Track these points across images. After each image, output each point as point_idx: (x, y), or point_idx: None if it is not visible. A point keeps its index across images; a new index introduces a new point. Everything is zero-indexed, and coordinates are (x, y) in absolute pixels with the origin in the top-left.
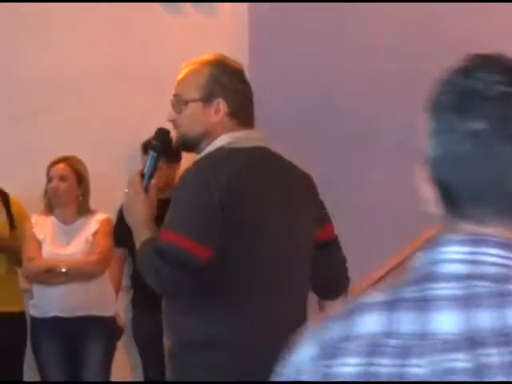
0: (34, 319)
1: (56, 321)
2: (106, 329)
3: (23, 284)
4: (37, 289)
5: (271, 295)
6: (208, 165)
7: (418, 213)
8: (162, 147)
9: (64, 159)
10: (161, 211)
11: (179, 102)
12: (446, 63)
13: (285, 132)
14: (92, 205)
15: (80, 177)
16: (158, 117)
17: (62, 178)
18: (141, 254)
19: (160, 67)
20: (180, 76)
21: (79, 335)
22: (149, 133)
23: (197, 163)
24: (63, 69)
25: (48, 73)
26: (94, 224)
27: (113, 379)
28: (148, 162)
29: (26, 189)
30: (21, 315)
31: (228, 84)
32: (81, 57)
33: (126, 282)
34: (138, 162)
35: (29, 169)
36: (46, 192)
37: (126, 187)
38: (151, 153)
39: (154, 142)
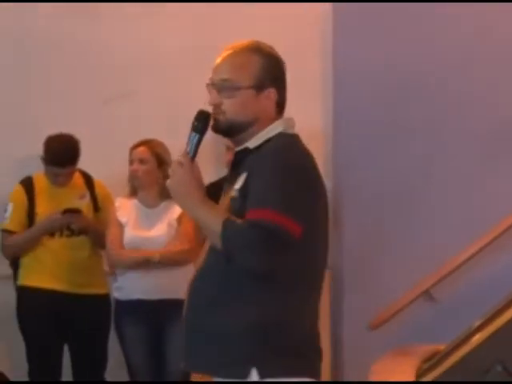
0: (118, 301)
1: (140, 303)
2: None
3: (106, 267)
4: (121, 272)
5: (321, 290)
6: (298, 148)
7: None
8: (204, 128)
9: (145, 142)
10: None
11: (230, 88)
12: None
13: (369, 124)
14: None
15: (161, 160)
16: None
17: (142, 161)
18: (232, 231)
19: None
20: (226, 60)
21: (163, 318)
22: None
23: (282, 147)
24: (152, 52)
25: (137, 56)
26: (177, 208)
27: None
28: (191, 143)
29: (113, 172)
30: (105, 297)
31: (278, 74)
32: (167, 38)
33: None
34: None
35: (116, 152)
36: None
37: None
38: (193, 134)
39: (196, 123)
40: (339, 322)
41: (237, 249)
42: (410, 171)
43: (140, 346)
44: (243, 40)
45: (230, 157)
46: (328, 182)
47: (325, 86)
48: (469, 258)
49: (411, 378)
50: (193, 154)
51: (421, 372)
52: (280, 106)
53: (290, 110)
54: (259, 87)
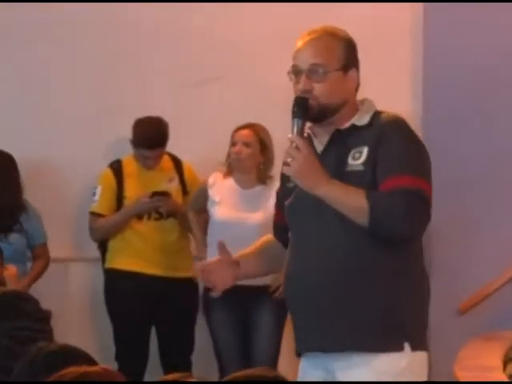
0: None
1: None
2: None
3: (194, 250)
4: (208, 255)
5: None
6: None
7: None
8: (305, 113)
9: (250, 125)
10: None
11: (319, 72)
12: None
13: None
14: (274, 170)
15: (264, 145)
16: None
17: (246, 144)
18: (380, 202)
19: None
20: (309, 46)
21: (251, 303)
22: None
23: (399, 119)
24: (240, 35)
25: (226, 41)
26: (274, 194)
27: (282, 350)
28: (295, 128)
29: (201, 155)
30: (192, 281)
31: (356, 55)
32: (255, 23)
33: None
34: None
35: (204, 135)
36: (229, 156)
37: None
38: (296, 120)
39: (296, 109)
40: None
41: (390, 218)
42: (495, 159)
43: (227, 329)
44: (316, 26)
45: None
46: None
47: (415, 77)
48: None
49: (498, 364)
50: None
51: (508, 358)
52: (357, 86)
53: (382, 96)
54: (345, 69)
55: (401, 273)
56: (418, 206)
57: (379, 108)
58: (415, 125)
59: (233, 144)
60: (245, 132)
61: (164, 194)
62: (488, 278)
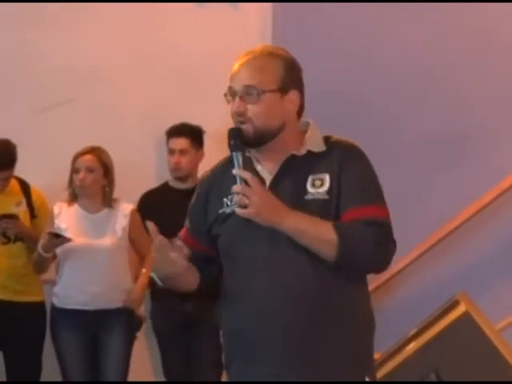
0: (54, 309)
1: (76, 313)
2: (125, 319)
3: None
4: (58, 280)
5: None
6: None
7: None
8: (241, 144)
9: (91, 150)
10: (182, 202)
11: (253, 94)
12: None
13: None
14: (117, 193)
15: (106, 168)
16: (183, 106)
17: (90, 170)
18: (349, 235)
19: (185, 58)
20: (245, 66)
21: (100, 327)
22: (173, 121)
23: (355, 146)
24: (89, 59)
25: (74, 63)
26: (121, 216)
27: (132, 370)
28: (236, 162)
29: (49, 179)
30: (40, 305)
31: (298, 76)
32: (107, 47)
33: None
34: (164, 151)
35: (52, 159)
36: (71, 182)
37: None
38: (235, 153)
39: (233, 142)
40: None
41: (361, 251)
42: None
43: (74, 354)
44: (255, 46)
45: (175, 160)
46: None
47: None
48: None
49: None
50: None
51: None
52: (301, 108)
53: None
54: (283, 90)
55: (361, 303)
56: (388, 237)
57: None
58: None
59: (75, 171)
60: (87, 157)
61: (12, 217)
62: None
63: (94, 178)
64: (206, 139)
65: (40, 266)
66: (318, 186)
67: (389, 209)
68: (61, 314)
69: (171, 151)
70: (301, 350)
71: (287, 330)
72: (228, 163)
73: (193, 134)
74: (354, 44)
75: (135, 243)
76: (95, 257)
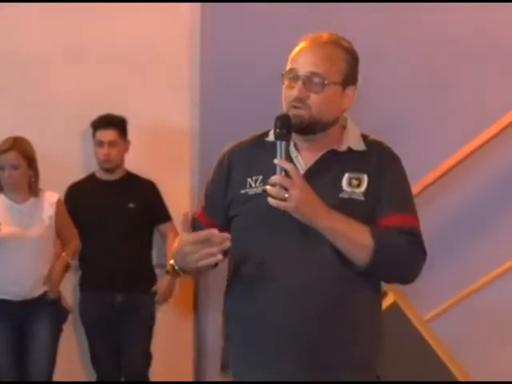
0: None
1: (2, 302)
2: (52, 309)
3: None
4: None
5: None
6: None
7: None
8: (289, 133)
9: (12, 145)
10: (110, 193)
11: (317, 82)
12: None
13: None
14: (43, 184)
15: (30, 159)
16: (109, 95)
17: (14, 167)
18: (386, 243)
19: (112, 47)
20: (312, 52)
21: (26, 317)
22: (99, 111)
23: (391, 149)
24: (14, 48)
25: (5, 50)
26: (47, 205)
27: (59, 361)
28: (280, 152)
29: None
30: None
31: (357, 71)
32: (33, 37)
33: (74, 262)
34: (89, 141)
35: None
36: None
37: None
38: (279, 142)
39: (279, 130)
40: (204, 320)
41: (393, 259)
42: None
43: (3, 345)
44: (320, 32)
45: (105, 151)
46: (195, 179)
47: (192, 83)
48: None
49: None
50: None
51: None
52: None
53: (161, 108)
54: (345, 84)
55: (376, 314)
56: (420, 247)
57: None
58: (194, 137)
59: (0, 168)
60: (11, 155)
61: None
62: None
63: (19, 174)
64: (130, 129)
65: None
66: (355, 186)
67: None
68: None
69: (100, 143)
70: (313, 347)
71: (302, 323)
72: (258, 142)
73: (120, 125)
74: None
75: (60, 232)
76: (23, 247)
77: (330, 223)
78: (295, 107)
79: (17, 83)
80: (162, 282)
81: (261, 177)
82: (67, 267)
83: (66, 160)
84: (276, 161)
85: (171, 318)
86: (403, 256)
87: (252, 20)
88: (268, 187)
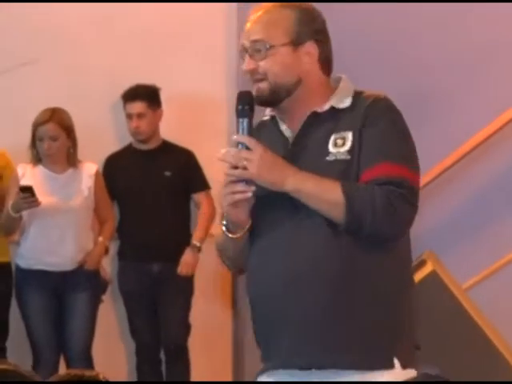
0: (19, 270)
1: (42, 274)
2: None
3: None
4: (23, 241)
5: None
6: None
7: None
8: (251, 110)
9: (50, 116)
10: (147, 162)
11: (263, 48)
12: None
13: None
14: (80, 155)
15: (68, 130)
16: (139, 68)
17: (53, 138)
18: (358, 195)
19: (144, 23)
20: (256, 21)
21: (64, 288)
22: (129, 83)
23: (382, 100)
24: (43, 22)
25: (36, 24)
26: (86, 176)
27: (98, 331)
28: (241, 129)
29: (12, 140)
30: (6, 265)
31: (315, 26)
32: (65, 9)
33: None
34: (121, 113)
35: (14, 120)
36: (34, 145)
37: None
38: (240, 119)
39: (240, 107)
40: (243, 290)
41: (369, 213)
42: None
43: (41, 315)
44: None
45: (134, 124)
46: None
47: (230, 59)
48: None
49: None
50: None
51: None
52: (325, 61)
53: (196, 81)
54: (296, 43)
55: (390, 281)
56: (403, 198)
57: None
58: (230, 110)
59: (39, 139)
60: (49, 126)
61: None
62: None
63: (58, 145)
64: (165, 102)
65: (8, 227)
66: (340, 146)
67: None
68: (26, 274)
69: (129, 116)
70: (320, 325)
71: (306, 303)
72: (257, 128)
73: (148, 96)
74: None
75: (97, 206)
76: (62, 217)
77: (296, 184)
78: (256, 80)
79: (51, 55)
80: (187, 253)
81: None
82: (106, 251)
83: (101, 131)
84: (234, 137)
85: (210, 312)
86: (380, 209)
87: None
88: (225, 157)
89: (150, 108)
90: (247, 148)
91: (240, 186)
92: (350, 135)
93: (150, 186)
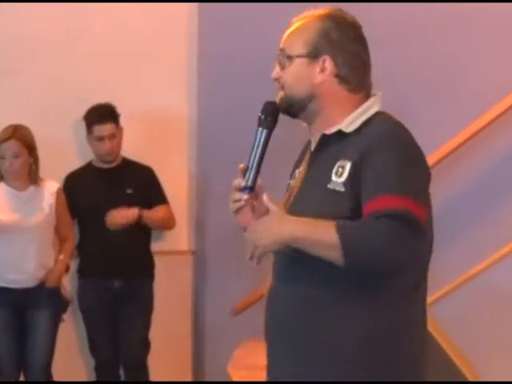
0: None
1: (4, 290)
2: (52, 297)
3: None
4: None
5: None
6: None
7: None
8: (272, 121)
9: (12, 133)
10: (108, 181)
11: (284, 58)
12: None
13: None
14: (42, 173)
15: (30, 147)
16: (107, 83)
17: (15, 155)
18: (352, 234)
19: (113, 38)
20: (290, 28)
21: (26, 305)
22: (96, 100)
23: (395, 124)
24: (7, 35)
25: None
26: (47, 194)
27: (58, 348)
28: (257, 140)
29: None
30: None
31: (337, 38)
32: (29, 23)
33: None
34: (83, 130)
35: None
36: None
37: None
38: (260, 129)
39: (263, 117)
40: (202, 307)
41: (368, 250)
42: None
43: (3, 331)
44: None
45: (108, 146)
46: (193, 166)
47: (190, 75)
48: None
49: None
50: (258, 161)
51: None
52: (345, 81)
53: (158, 97)
54: (312, 56)
55: (371, 312)
56: (404, 227)
57: None
58: (191, 125)
59: (1, 156)
60: (11, 143)
61: None
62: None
63: (21, 162)
64: (127, 118)
65: None
66: (339, 175)
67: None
68: None
69: (100, 138)
70: (291, 345)
71: (285, 329)
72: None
73: (115, 116)
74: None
75: (58, 224)
76: (24, 234)
77: (290, 232)
78: (279, 89)
79: (26, 67)
80: None
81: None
82: (67, 269)
83: (61, 148)
84: (264, 198)
85: (169, 309)
86: (378, 242)
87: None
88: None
89: (117, 128)
90: (251, 189)
91: (237, 195)
92: (348, 166)
93: (112, 203)
